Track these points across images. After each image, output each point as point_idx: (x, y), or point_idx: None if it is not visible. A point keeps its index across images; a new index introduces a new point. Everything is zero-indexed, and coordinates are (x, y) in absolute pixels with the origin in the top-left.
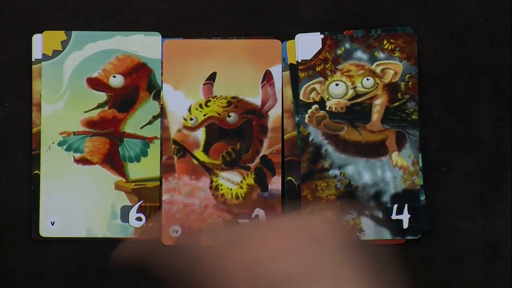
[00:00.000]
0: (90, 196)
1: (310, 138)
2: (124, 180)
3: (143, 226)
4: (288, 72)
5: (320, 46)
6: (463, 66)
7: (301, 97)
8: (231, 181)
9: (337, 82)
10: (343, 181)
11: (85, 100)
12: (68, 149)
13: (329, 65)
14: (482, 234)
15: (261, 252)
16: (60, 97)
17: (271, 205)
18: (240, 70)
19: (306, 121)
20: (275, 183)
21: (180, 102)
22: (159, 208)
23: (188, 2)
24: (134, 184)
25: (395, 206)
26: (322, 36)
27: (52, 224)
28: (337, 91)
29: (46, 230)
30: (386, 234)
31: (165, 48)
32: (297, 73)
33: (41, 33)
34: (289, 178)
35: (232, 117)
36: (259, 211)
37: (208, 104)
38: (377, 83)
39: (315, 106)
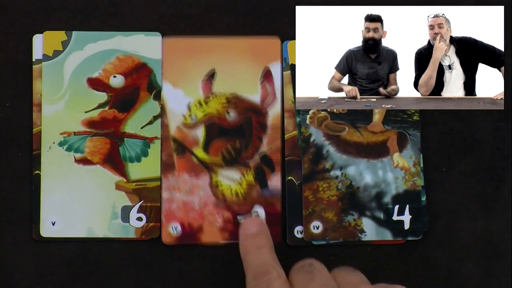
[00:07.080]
0: (91, 196)
1: (312, 139)
2: (124, 180)
3: (143, 226)
4: (289, 72)
5: None
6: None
7: None
8: (231, 179)
9: None
10: (345, 182)
11: (86, 100)
12: (68, 149)
13: None
14: (482, 234)
15: None
16: (60, 97)
17: (271, 203)
18: (239, 68)
19: (307, 121)
20: (275, 181)
21: (180, 100)
22: (159, 208)
23: (188, 2)
24: (134, 184)
25: (397, 207)
26: None
27: (53, 224)
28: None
29: (46, 230)
30: (387, 235)
31: (165, 46)
32: None
33: (42, 33)
34: (289, 177)
35: (232, 115)
36: (259, 209)
37: (208, 102)
38: None
39: None
